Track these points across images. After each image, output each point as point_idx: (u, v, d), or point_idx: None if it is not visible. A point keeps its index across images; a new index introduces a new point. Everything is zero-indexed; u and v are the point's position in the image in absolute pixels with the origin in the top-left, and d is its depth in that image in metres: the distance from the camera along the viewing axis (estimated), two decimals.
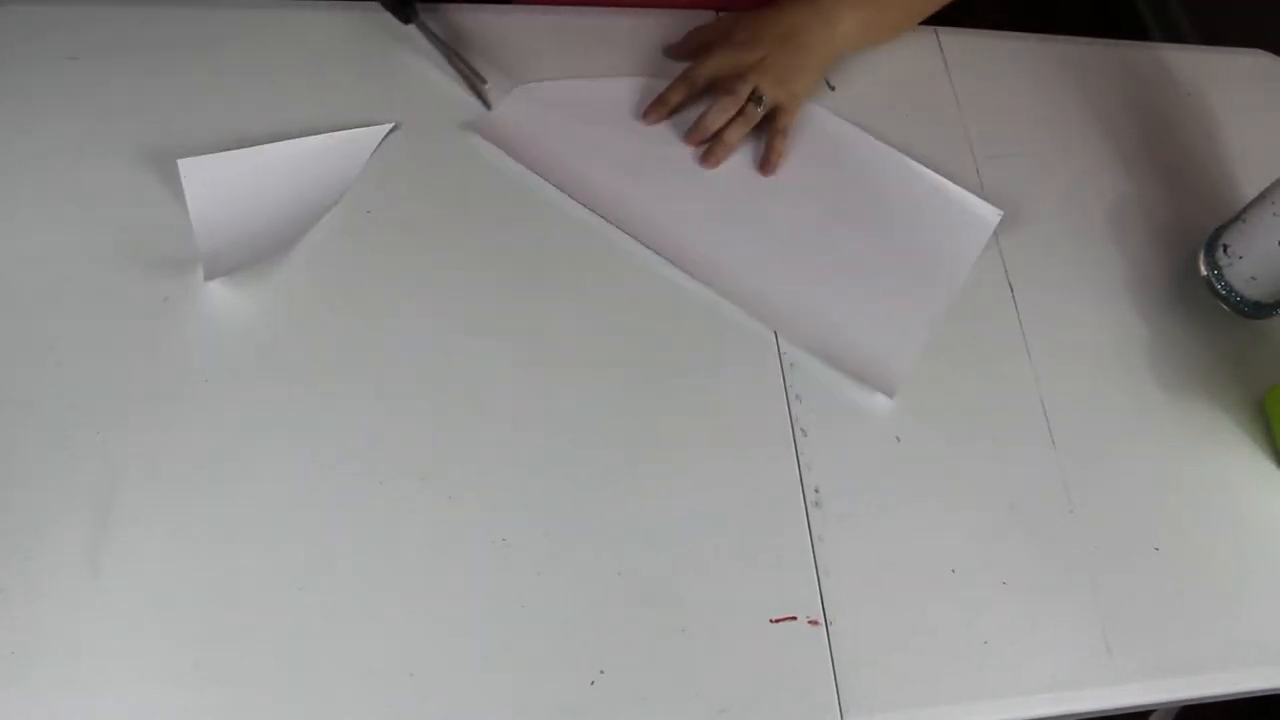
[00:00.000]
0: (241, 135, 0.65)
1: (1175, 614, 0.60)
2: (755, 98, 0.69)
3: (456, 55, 0.69)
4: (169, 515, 0.54)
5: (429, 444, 0.58)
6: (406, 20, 0.69)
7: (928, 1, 0.76)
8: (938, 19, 0.81)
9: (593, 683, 0.53)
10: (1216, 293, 0.72)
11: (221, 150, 0.63)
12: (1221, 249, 0.71)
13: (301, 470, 0.56)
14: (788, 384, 0.64)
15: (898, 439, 0.63)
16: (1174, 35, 1.95)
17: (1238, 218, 0.71)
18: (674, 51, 0.75)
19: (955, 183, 0.73)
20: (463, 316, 0.62)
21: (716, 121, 0.70)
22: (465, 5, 0.74)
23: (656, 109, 0.71)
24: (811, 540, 0.59)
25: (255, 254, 0.61)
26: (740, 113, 0.70)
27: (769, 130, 0.71)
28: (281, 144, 0.65)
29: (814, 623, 0.56)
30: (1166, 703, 0.59)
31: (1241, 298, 0.71)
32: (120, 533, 0.53)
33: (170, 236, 0.61)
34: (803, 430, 0.62)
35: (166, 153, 0.63)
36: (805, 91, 0.72)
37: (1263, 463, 0.67)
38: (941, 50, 0.81)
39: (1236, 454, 0.67)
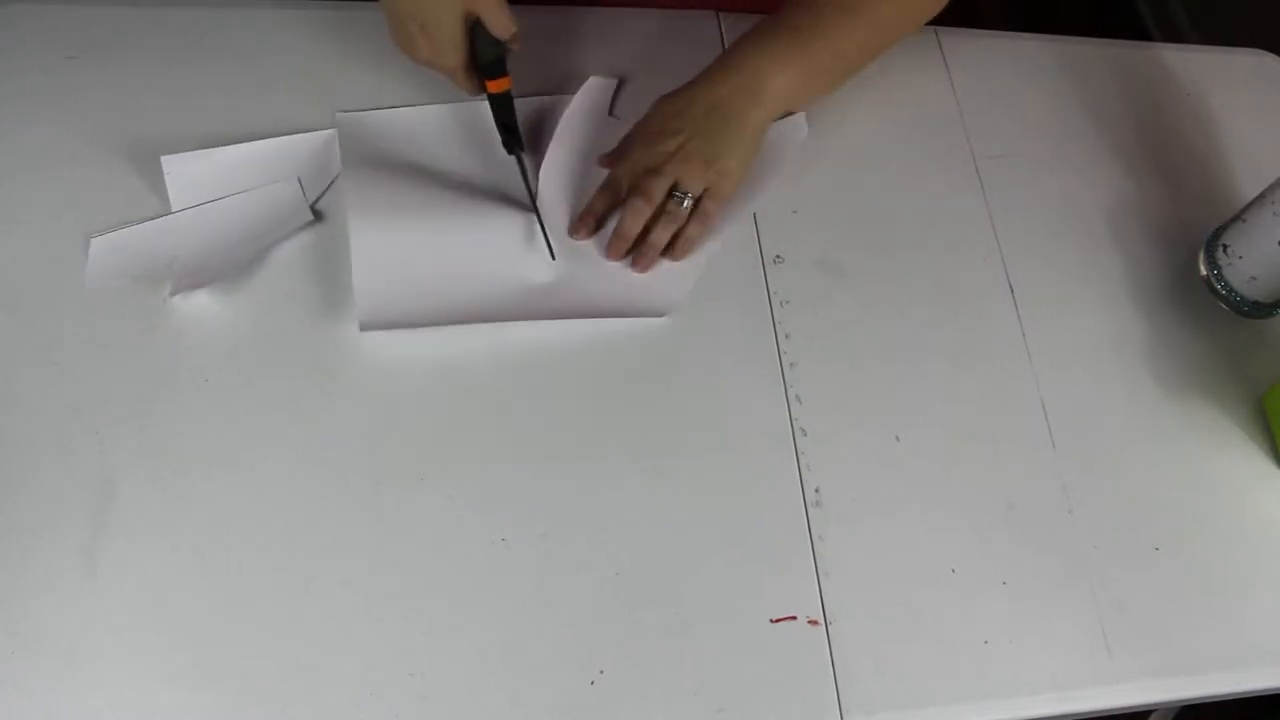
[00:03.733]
0: (244, 134, 0.65)
1: (1175, 614, 0.60)
2: (677, 192, 0.65)
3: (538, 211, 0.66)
4: (168, 515, 0.54)
5: (429, 443, 0.58)
6: (510, 151, 0.66)
7: (863, 51, 0.71)
8: (938, 19, 0.81)
9: (592, 683, 0.53)
10: (1216, 292, 0.72)
11: None
12: (1221, 249, 0.71)
13: (301, 470, 0.56)
14: (788, 384, 0.64)
15: (898, 439, 0.63)
16: (1174, 35, 1.95)
17: (1237, 218, 0.71)
18: (601, 161, 0.69)
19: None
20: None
21: (633, 228, 0.64)
22: None
23: (585, 221, 0.66)
24: (811, 540, 0.59)
25: (231, 265, 0.61)
26: (663, 210, 0.65)
27: (693, 212, 0.66)
28: (263, 142, 0.65)
29: (814, 623, 0.56)
30: (1166, 703, 0.59)
31: (1241, 297, 0.71)
32: (119, 533, 0.53)
33: None
34: (802, 430, 0.62)
35: (167, 152, 0.63)
36: (739, 166, 0.66)
37: (1263, 462, 0.67)
38: (941, 50, 0.81)
39: (1236, 454, 0.67)
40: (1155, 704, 0.59)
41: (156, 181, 0.63)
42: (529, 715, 0.52)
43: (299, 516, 0.55)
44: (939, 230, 0.72)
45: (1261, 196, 0.68)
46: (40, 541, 0.52)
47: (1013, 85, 0.81)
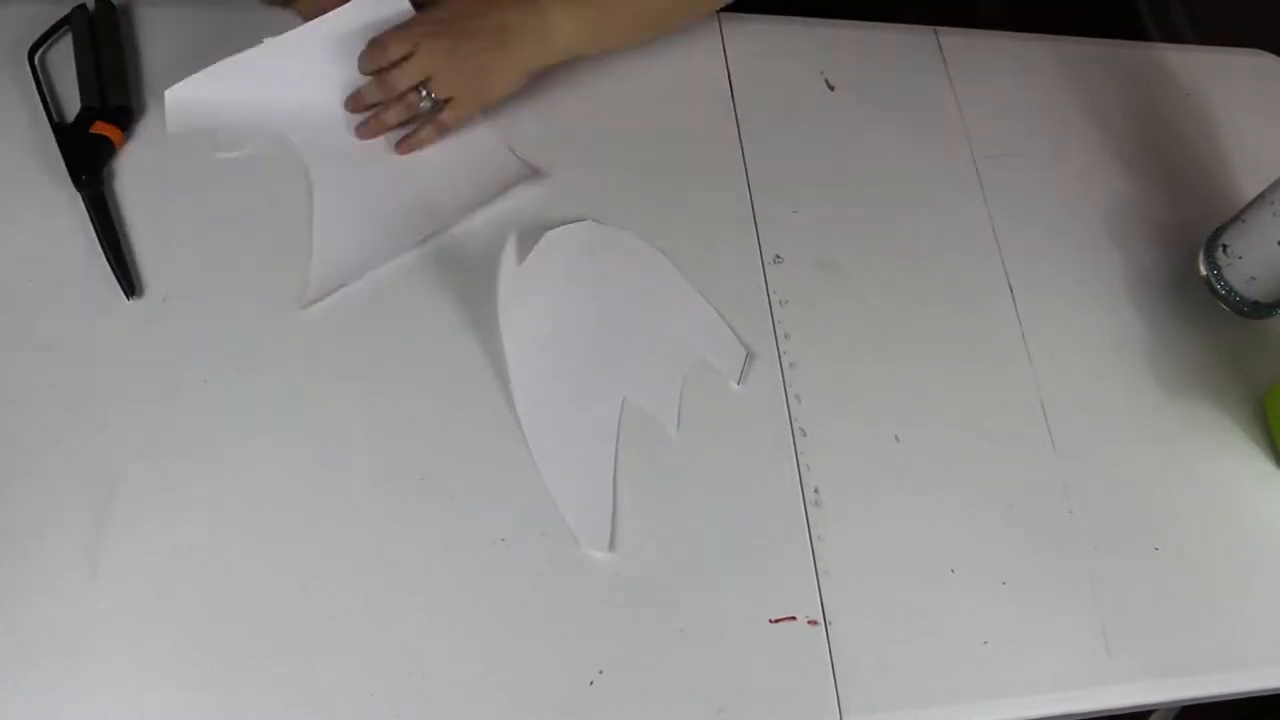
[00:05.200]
0: None
1: (1175, 614, 0.60)
2: (424, 89, 0.63)
3: (108, 244, 0.60)
4: (168, 515, 0.54)
5: (430, 443, 0.58)
6: (77, 185, 0.61)
7: (662, 19, 0.71)
8: (938, 19, 0.81)
9: (592, 683, 0.53)
10: (1216, 293, 0.72)
11: None
12: (1221, 249, 0.71)
13: (302, 470, 0.56)
14: (787, 384, 0.64)
15: (897, 439, 0.63)
16: (1174, 35, 1.95)
17: (1237, 218, 0.71)
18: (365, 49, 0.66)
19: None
20: (466, 316, 0.62)
21: (371, 96, 0.65)
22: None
23: (354, 100, 0.66)
24: (811, 540, 0.59)
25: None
26: (401, 97, 0.64)
27: (433, 117, 0.65)
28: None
29: (813, 623, 0.56)
30: (1167, 703, 0.60)
31: (1241, 298, 0.71)
32: (119, 533, 0.53)
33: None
34: (802, 430, 0.62)
35: None
36: (493, 90, 0.65)
37: (1263, 463, 0.67)
38: (941, 50, 0.81)
39: (1236, 454, 0.67)
40: (1155, 704, 0.59)
41: None
42: (529, 715, 0.52)
43: (299, 516, 0.55)
44: (939, 230, 0.72)
45: (1261, 196, 0.68)
46: (41, 542, 0.52)
47: (1013, 85, 0.81)
